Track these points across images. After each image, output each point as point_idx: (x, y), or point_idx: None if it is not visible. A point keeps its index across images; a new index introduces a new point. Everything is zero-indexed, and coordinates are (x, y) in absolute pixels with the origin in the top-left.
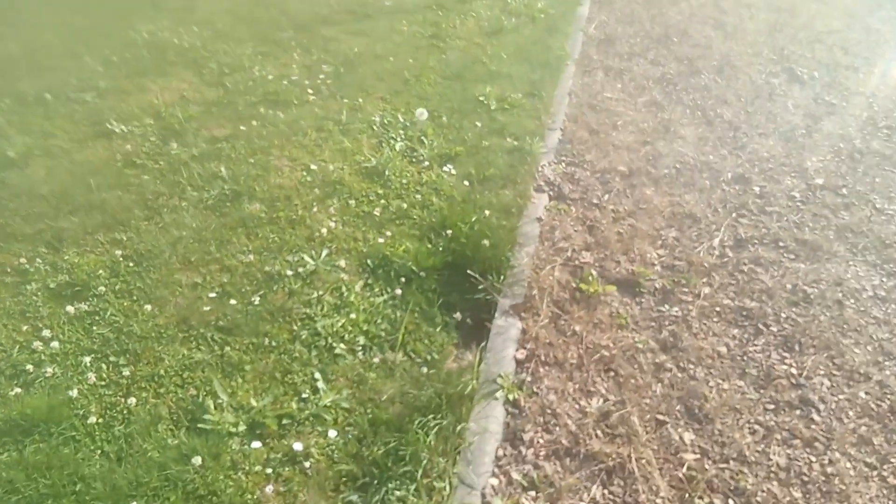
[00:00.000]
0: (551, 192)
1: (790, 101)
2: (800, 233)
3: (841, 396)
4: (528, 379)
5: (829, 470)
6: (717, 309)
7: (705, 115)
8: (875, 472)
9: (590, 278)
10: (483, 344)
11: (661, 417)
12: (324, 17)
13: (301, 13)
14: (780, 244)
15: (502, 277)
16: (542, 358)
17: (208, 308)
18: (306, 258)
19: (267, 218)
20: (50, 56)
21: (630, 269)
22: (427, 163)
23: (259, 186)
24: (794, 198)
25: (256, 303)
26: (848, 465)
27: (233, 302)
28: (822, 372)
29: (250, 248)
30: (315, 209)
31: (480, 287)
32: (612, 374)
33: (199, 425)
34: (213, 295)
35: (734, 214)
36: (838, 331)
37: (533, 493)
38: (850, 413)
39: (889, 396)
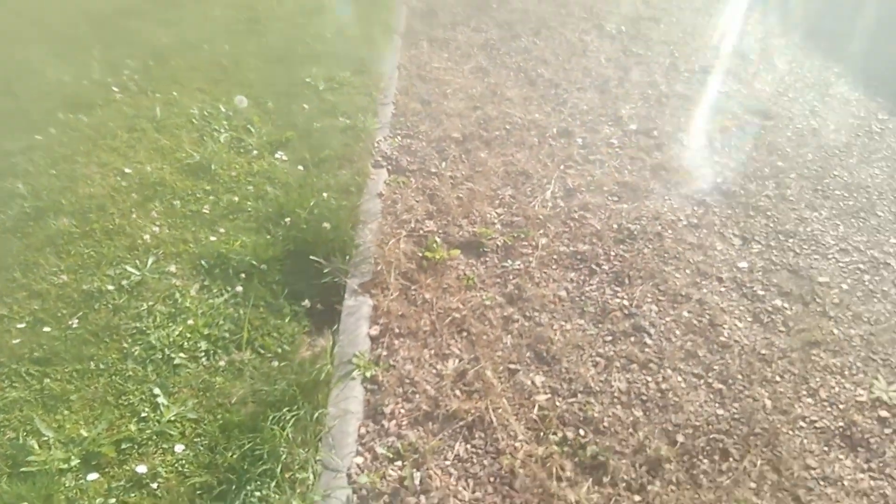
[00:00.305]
0: (390, 167)
1: (602, 56)
2: (620, 176)
3: (668, 318)
4: (384, 353)
5: (663, 386)
6: (555, 257)
7: (528, 76)
8: (702, 381)
9: (434, 245)
10: (335, 327)
11: (512, 366)
12: (124, 8)
13: (98, 6)
14: (605, 189)
15: (348, 258)
16: (396, 330)
17: (18, 341)
18: (130, 269)
19: (79, 232)
20: None
21: (472, 231)
22: (256, 152)
23: (66, 199)
24: (612, 144)
25: (76, 326)
26: (679, 378)
27: (47, 329)
28: (649, 299)
29: (62, 267)
30: (134, 215)
31: (326, 271)
32: (464, 334)
33: (24, 469)
34: (22, 325)
35: (562, 166)
36: (660, 260)
37: (399, 463)
38: (677, 332)
39: (708, 312)
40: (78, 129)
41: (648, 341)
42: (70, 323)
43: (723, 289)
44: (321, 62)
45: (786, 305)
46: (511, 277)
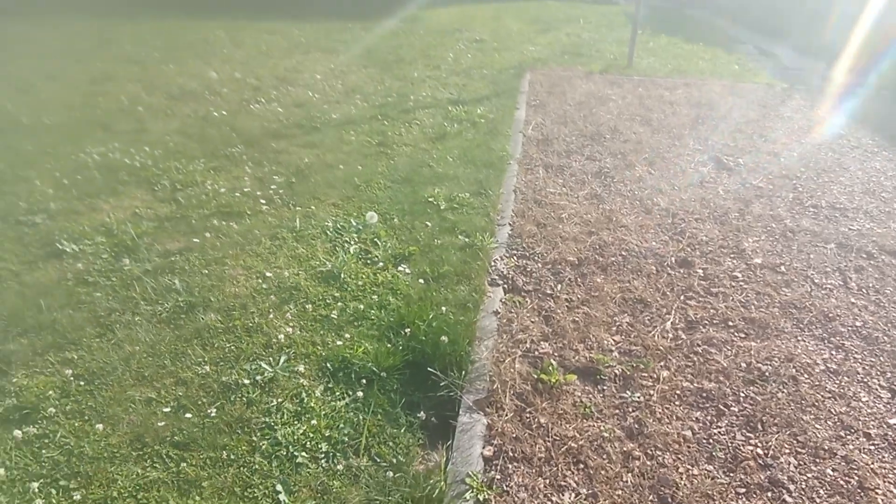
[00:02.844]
0: (506, 286)
1: (720, 188)
2: (746, 311)
3: (809, 475)
4: (498, 477)
5: None
6: (678, 392)
7: (643, 204)
8: None
9: (550, 368)
10: (449, 443)
11: None
12: (273, 131)
13: (250, 129)
14: (730, 324)
15: (463, 373)
16: (510, 454)
17: (163, 423)
18: (264, 365)
19: (223, 328)
20: None
21: (589, 357)
22: (382, 264)
23: (214, 297)
24: (736, 278)
25: (213, 415)
26: None
27: (188, 415)
28: (787, 450)
29: (206, 359)
30: (272, 316)
31: (442, 384)
32: (581, 465)
33: None
34: (167, 409)
35: (682, 297)
36: (797, 407)
37: None
38: (821, 492)
39: (856, 472)
40: (229, 235)
41: (788, 499)
42: (209, 412)
43: (871, 447)
44: (443, 184)
45: None
46: (630, 410)
